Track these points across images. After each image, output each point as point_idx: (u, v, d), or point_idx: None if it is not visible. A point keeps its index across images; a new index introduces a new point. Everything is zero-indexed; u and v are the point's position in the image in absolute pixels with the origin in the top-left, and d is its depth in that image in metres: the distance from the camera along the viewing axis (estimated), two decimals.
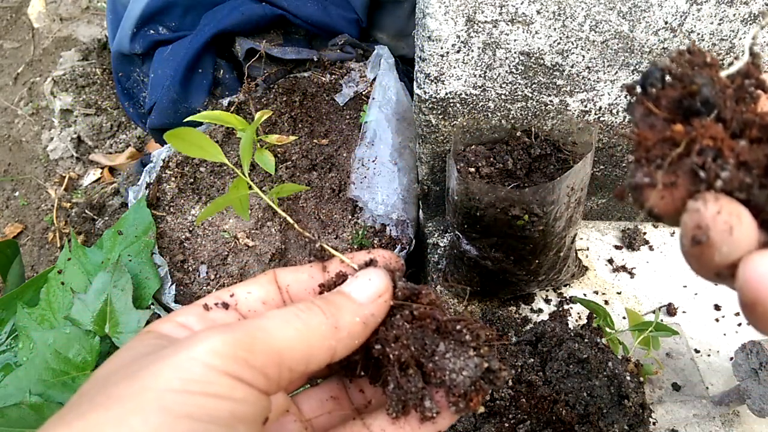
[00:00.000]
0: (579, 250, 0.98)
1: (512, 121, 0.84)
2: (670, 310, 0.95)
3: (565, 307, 0.91)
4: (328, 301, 0.31)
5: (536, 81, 0.79)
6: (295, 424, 0.35)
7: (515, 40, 0.74)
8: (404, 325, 0.33)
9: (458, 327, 0.33)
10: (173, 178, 1.06)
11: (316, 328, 0.29)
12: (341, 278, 0.35)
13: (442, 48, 0.74)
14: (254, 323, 0.28)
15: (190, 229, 1.03)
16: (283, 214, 0.42)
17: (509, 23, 0.72)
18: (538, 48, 0.74)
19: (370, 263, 0.36)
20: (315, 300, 0.31)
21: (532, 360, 0.73)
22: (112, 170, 1.58)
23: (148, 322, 0.85)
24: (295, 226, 0.40)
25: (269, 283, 0.35)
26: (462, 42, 0.73)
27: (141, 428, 0.23)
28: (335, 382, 0.38)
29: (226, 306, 0.33)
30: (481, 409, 0.32)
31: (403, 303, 0.34)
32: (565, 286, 0.94)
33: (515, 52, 0.75)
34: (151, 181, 1.05)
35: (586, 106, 0.82)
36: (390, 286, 0.33)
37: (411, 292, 0.34)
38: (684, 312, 0.95)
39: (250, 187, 0.48)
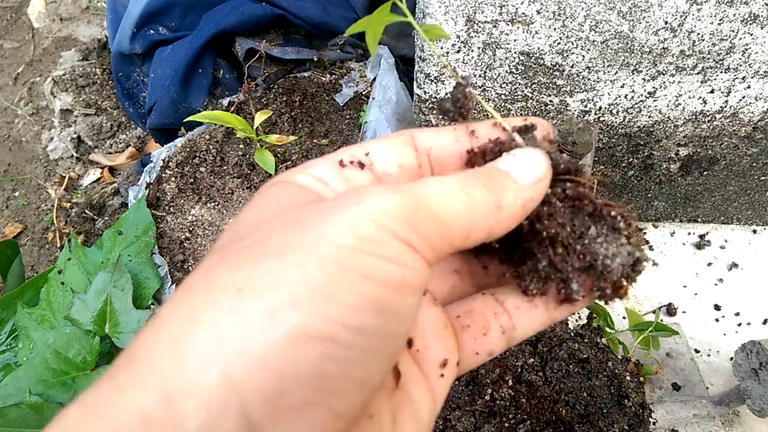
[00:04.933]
0: None
1: None
2: (670, 310, 0.95)
3: None
4: (490, 177, 0.28)
5: (536, 81, 0.79)
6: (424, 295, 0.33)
7: (515, 40, 0.74)
8: (557, 203, 0.31)
9: (613, 213, 0.31)
10: (173, 178, 1.06)
11: (480, 204, 0.27)
12: (496, 147, 0.32)
13: (442, 48, 0.74)
14: (418, 188, 0.26)
15: (190, 229, 1.03)
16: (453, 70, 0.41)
17: (509, 23, 0.72)
18: (538, 48, 0.74)
19: (528, 130, 0.33)
20: (476, 173, 0.28)
21: (532, 360, 0.73)
22: (112, 170, 1.58)
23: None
24: (447, 65, 0.36)
25: (405, 144, 0.32)
26: (462, 42, 0.73)
27: (319, 280, 0.22)
28: (458, 256, 0.37)
29: (361, 165, 0.30)
30: (627, 298, 0.32)
31: (558, 178, 0.32)
32: None
33: (515, 52, 0.75)
34: (151, 181, 1.05)
35: (586, 106, 0.82)
36: (551, 170, 0.31)
37: (568, 167, 0.32)
38: (684, 312, 0.95)
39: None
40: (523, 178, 0.29)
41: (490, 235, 0.28)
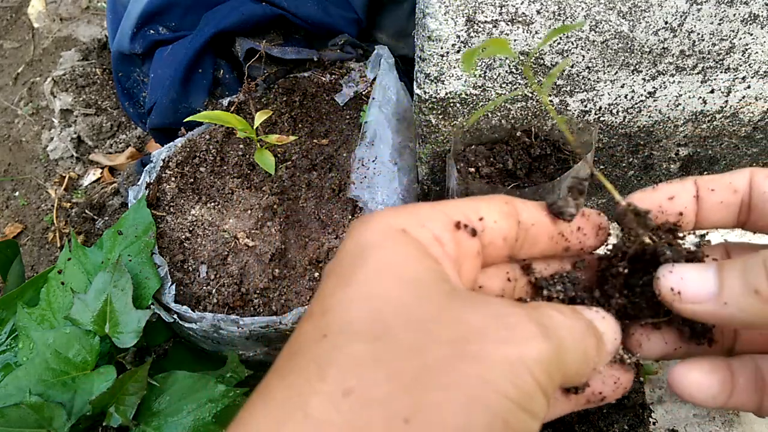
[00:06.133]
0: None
1: (512, 121, 0.84)
2: None
3: None
4: (599, 344, 0.31)
5: (536, 81, 0.79)
6: None
7: (515, 40, 0.74)
8: None
9: None
10: (173, 178, 1.06)
11: (588, 368, 0.30)
12: (583, 241, 0.36)
13: (442, 48, 0.74)
14: (559, 337, 0.27)
15: (190, 229, 1.03)
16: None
17: (509, 23, 0.72)
18: (538, 48, 0.74)
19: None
20: (587, 327, 0.31)
21: None
22: (112, 170, 1.58)
23: (148, 323, 0.85)
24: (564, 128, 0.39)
25: (511, 216, 0.33)
26: (462, 42, 0.73)
27: (481, 429, 0.22)
28: None
29: (474, 233, 0.31)
30: None
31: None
32: None
33: (515, 52, 0.75)
34: (151, 181, 1.05)
35: (586, 106, 0.82)
36: (618, 343, 0.35)
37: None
38: None
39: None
40: (610, 349, 0.33)
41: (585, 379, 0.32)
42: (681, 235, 0.36)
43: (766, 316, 0.28)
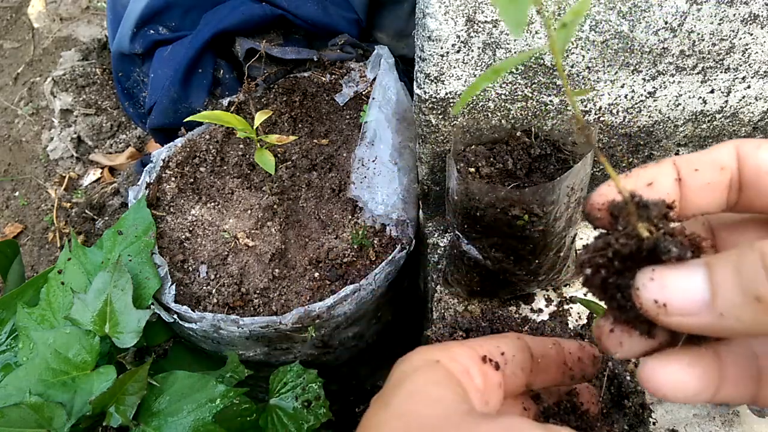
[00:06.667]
0: (579, 250, 0.98)
1: (512, 121, 0.84)
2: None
3: (565, 307, 0.91)
4: None
5: (536, 81, 0.79)
6: None
7: (515, 40, 0.74)
8: None
9: None
10: (173, 178, 1.06)
11: None
12: (584, 369, 0.40)
13: (442, 48, 0.74)
14: None
15: (190, 229, 1.03)
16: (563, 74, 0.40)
17: None
18: (538, 48, 0.74)
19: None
20: None
21: None
22: (112, 170, 1.58)
23: (148, 323, 0.85)
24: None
25: (525, 350, 0.37)
26: (462, 42, 0.73)
27: None
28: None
29: (497, 367, 0.35)
30: None
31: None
32: (566, 285, 0.94)
33: (515, 52, 0.75)
34: (151, 181, 1.05)
35: (586, 106, 0.82)
36: None
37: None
38: None
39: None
40: None
41: None
42: (674, 220, 0.30)
43: (764, 326, 0.24)
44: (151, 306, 0.90)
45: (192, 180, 1.07)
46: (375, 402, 0.31)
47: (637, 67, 0.77)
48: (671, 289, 0.26)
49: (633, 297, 0.28)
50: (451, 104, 0.81)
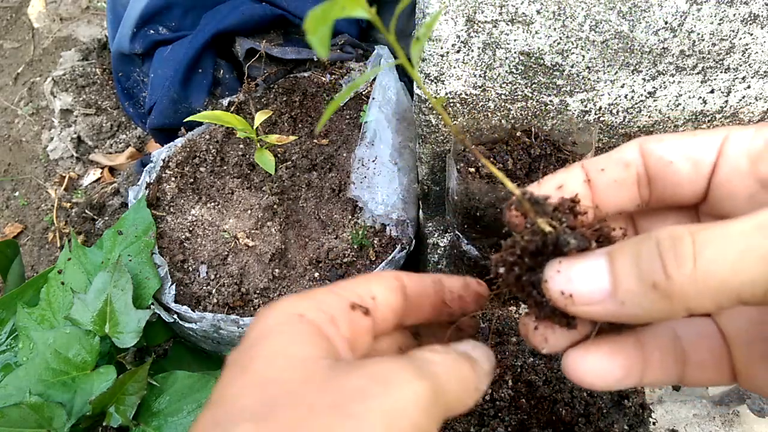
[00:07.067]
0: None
1: (512, 121, 0.84)
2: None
3: None
4: (475, 367, 0.32)
5: (536, 81, 0.79)
6: None
7: (515, 40, 0.74)
8: None
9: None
10: (173, 178, 1.06)
11: (469, 391, 0.30)
12: (464, 307, 0.38)
13: (442, 48, 0.74)
14: (436, 375, 0.28)
15: (190, 229, 1.03)
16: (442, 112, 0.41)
17: (509, 23, 0.72)
18: (538, 48, 0.74)
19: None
20: (472, 361, 0.31)
21: (532, 360, 0.73)
22: (112, 170, 1.58)
23: (148, 323, 0.85)
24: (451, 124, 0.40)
25: (398, 291, 0.35)
26: (462, 42, 0.73)
27: None
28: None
29: (367, 312, 0.33)
30: None
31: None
32: None
33: (515, 52, 0.75)
34: (151, 181, 1.05)
35: (586, 106, 0.82)
36: (493, 366, 0.35)
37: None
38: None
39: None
40: (486, 368, 0.33)
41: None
42: (582, 213, 0.32)
43: (672, 311, 0.25)
44: (151, 306, 0.90)
45: (192, 180, 1.07)
46: (232, 364, 0.28)
47: (637, 67, 0.77)
48: (576, 280, 0.27)
49: (543, 290, 0.29)
50: (451, 104, 0.81)
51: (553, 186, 0.33)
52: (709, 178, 0.31)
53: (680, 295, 0.24)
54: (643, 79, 0.79)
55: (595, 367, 0.30)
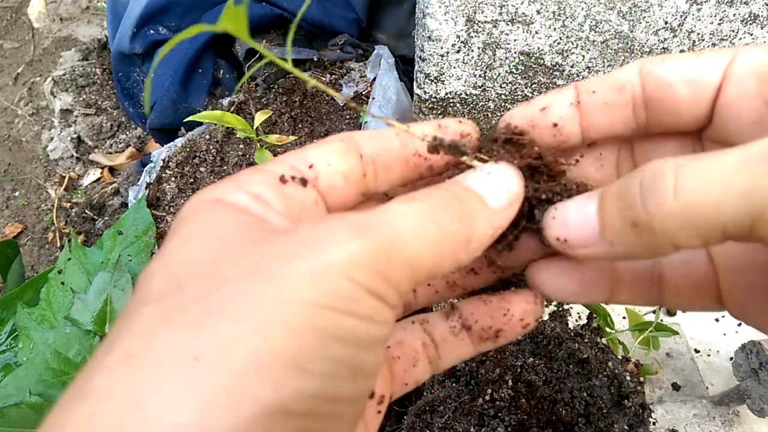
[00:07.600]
0: None
1: None
2: (670, 310, 0.95)
3: (565, 307, 0.91)
4: (462, 202, 0.26)
5: (536, 81, 0.79)
6: None
7: (515, 40, 0.74)
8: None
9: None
10: (173, 178, 1.06)
11: (451, 239, 0.25)
12: (455, 154, 0.31)
13: (442, 48, 0.74)
14: (387, 226, 0.23)
15: None
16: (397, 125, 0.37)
17: (509, 23, 0.72)
18: (538, 48, 0.74)
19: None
20: (447, 197, 0.26)
21: (532, 360, 0.73)
22: (112, 170, 1.58)
23: None
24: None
25: (349, 152, 0.30)
26: (462, 42, 0.73)
27: (288, 346, 0.20)
28: None
29: (304, 182, 0.28)
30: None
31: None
32: None
33: (515, 52, 0.75)
34: (151, 181, 1.05)
35: None
36: (523, 189, 0.29)
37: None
38: (684, 312, 0.95)
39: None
40: (497, 203, 0.28)
41: (456, 267, 0.26)
42: (543, 155, 0.31)
43: (658, 248, 0.24)
44: None
45: (192, 180, 1.07)
46: (152, 260, 0.25)
47: None
48: (569, 224, 0.27)
49: (543, 236, 0.29)
50: (451, 104, 0.81)
51: (539, 107, 0.31)
52: (713, 101, 0.29)
53: (662, 231, 0.23)
54: None
55: (551, 280, 0.30)
